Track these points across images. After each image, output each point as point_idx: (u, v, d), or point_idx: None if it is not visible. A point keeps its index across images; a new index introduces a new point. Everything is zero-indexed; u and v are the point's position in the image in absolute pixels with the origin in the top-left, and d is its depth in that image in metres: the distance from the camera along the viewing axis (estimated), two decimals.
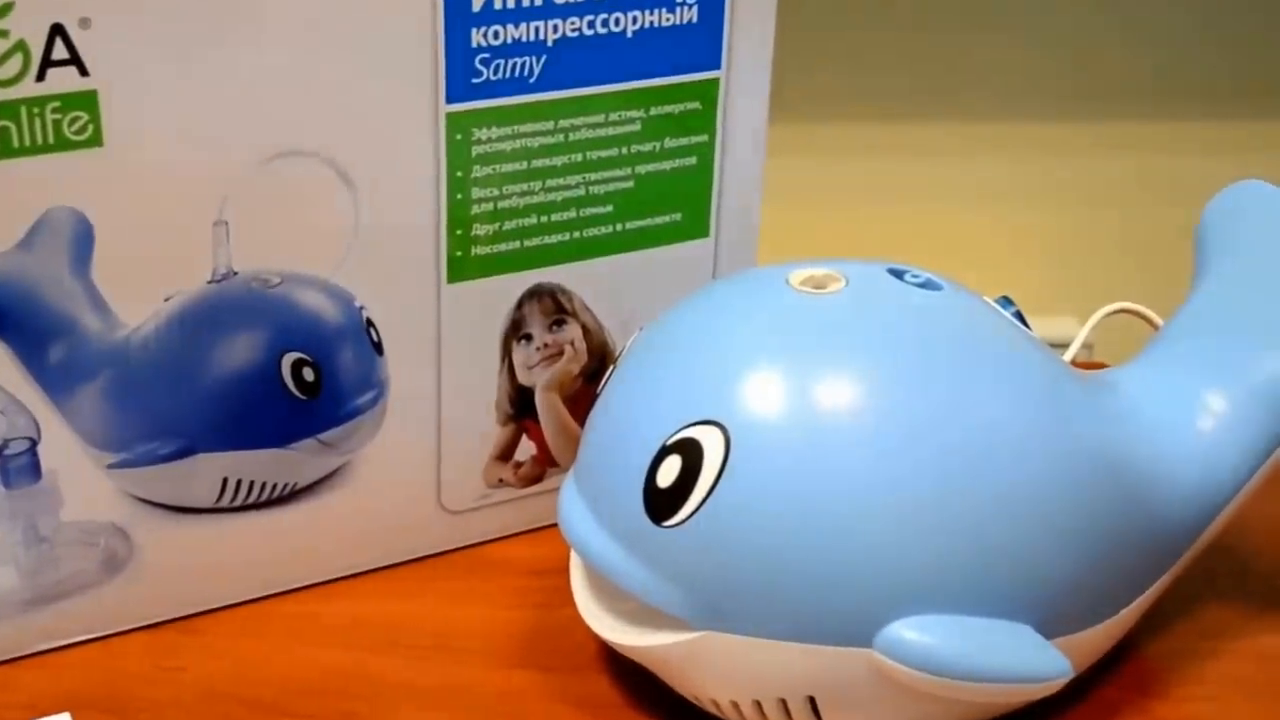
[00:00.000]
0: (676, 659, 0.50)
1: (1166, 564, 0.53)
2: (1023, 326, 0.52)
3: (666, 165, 0.59)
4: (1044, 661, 0.48)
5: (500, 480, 0.61)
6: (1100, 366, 0.65)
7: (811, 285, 0.51)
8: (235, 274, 0.53)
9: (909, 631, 0.47)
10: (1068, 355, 0.65)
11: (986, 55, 1.35)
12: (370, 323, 0.56)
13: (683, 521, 0.48)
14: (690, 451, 0.48)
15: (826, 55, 1.31)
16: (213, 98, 0.51)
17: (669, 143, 0.59)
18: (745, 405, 0.48)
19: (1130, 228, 1.41)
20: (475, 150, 0.55)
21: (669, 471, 0.48)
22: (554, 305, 0.59)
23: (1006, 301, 0.53)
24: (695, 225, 0.61)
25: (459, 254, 0.56)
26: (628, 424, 0.50)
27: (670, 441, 0.48)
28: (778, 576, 0.47)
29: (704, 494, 0.48)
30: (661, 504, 0.48)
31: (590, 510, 0.51)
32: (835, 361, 0.48)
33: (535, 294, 0.59)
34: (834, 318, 0.50)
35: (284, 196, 0.53)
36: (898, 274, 0.52)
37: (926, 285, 0.51)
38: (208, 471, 0.55)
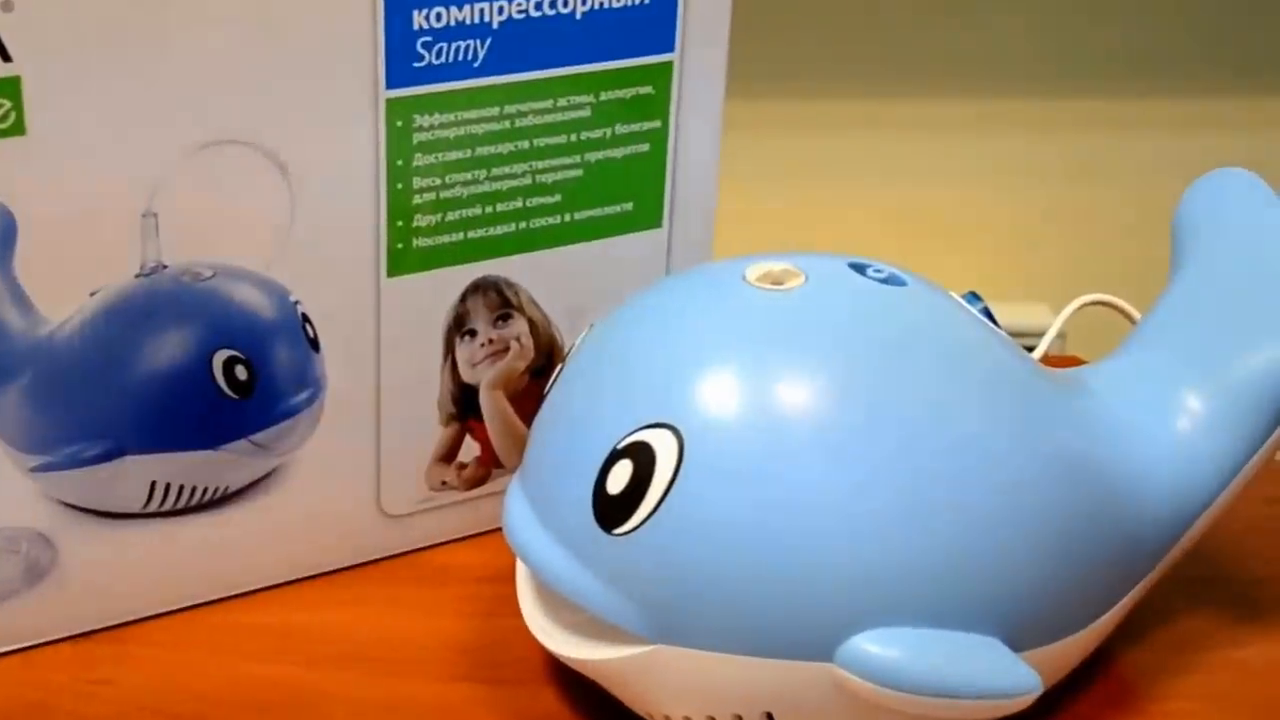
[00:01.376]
0: (628, 673, 0.48)
1: (1142, 573, 0.51)
2: (991, 324, 0.50)
3: (617, 153, 0.57)
4: (1013, 676, 0.46)
5: (443, 483, 0.59)
6: (1074, 360, 0.63)
7: (769, 281, 0.48)
8: (164, 268, 0.50)
9: (871, 645, 0.45)
10: (1039, 350, 0.62)
11: (954, 29, 1.32)
12: (306, 318, 0.53)
13: (634, 529, 0.46)
14: (642, 456, 0.46)
15: (784, 29, 1.28)
16: (141, 84, 0.48)
17: (620, 129, 0.56)
18: (700, 408, 0.46)
19: (1106, 211, 1.38)
20: (417, 138, 0.53)
21: (619, 477, 0.46)
22: (499, 299, 0.56)
23: (974, 297, 0.51)
24: (648, 215, 0.58)
25: (399, 246, 0.54)
26: (576, 426, 0.48)
27: (621, 445, 0.46)
28: (734, 587, 0.45)
29: (656, 501, 0.45)
30: (612, 511, 0.46)
31: (536, 516, 0.49)
32: (794, 362, 0.46)
33: (480, 288, 0.56)
34: (793, 315, 0.47)
35: (216, 187, 0.50)
36: (859, 269, 0.49)
37: (890, 281, 0.49)
38: (136, 475, 0.53)
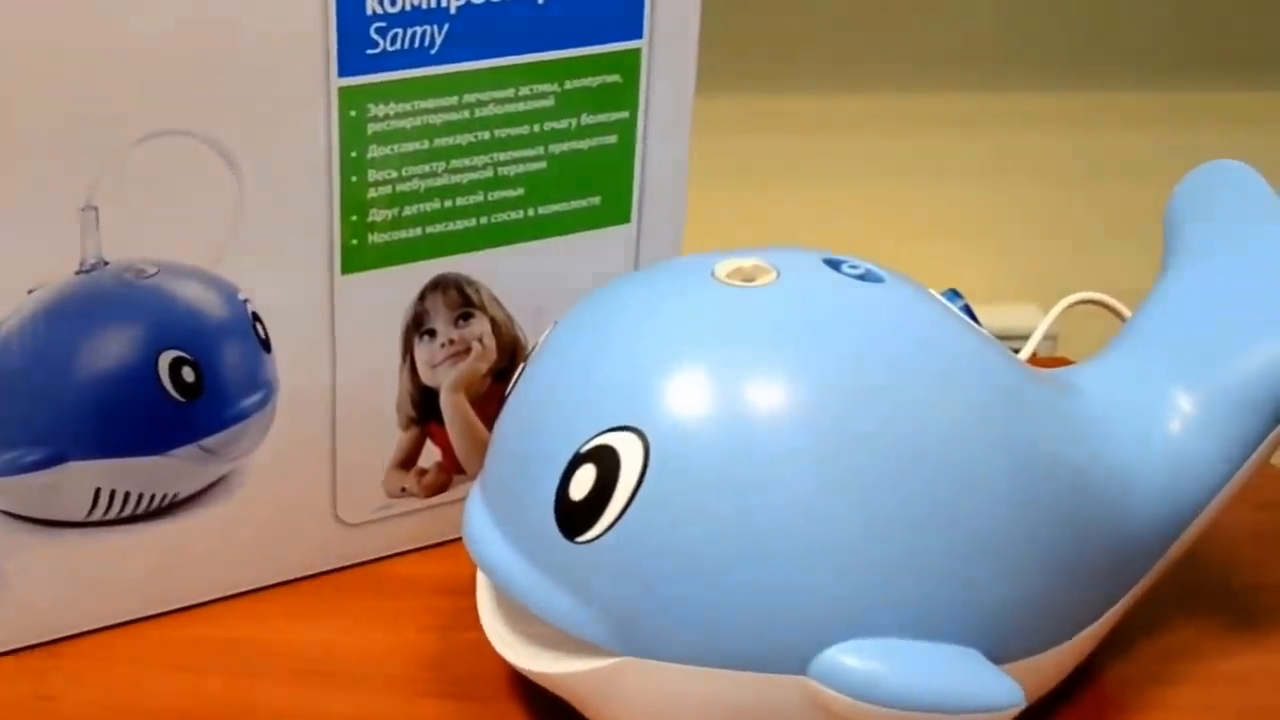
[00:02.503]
0: (593, 687, 0.46)
1: (1130, 582, 0.49)
2: (972, 322, 0.48)
3: (583, 144, 0.54)
4: (994, 689, 0.44)
5: (403, 489, 0.56)
6: (1065, 361, 0.60)
7: (740, 277, 0.46)
8: (106, 264, 0.48)
9: (846, 657, 0.43)
10: (1027, 349, 0.60)
11: (936, 19, 1.30)
12: (256, 317, 0.51)
13: (598, 537, 0.44)
14: (606, 460, 0.44)
15: (758, 22, 1.26)
16: (79, 71, 0.46)
17: (586, 119, 0.54)
18: (666, 409, 0.43)
19: (1096, 208, 1.36)
20: (371, 128, 0.50)
21: (583, 482, 0.44)
22: (460, 298, 0.54)
23: (954, 295, 0.49)
24: (615, 210, 0.56)
25: (354, 242, 0.51)
26: (537, 430, 0.46)
27: (584, 449, 0.44)
28: (702, 597, 0.43)
29: (621, 507, 0.43)
30: (574, 518, 0.44)
31: (497, 524, 0.47)
32: (766, 361, 0.44)
33: (439, 285, 0.54)
34: (764, 313, 0.45)
35: (159, 180, 0.48)
36: (834, 265, 0.47)
37: (866, 277, 0.47)
38: (78, 482, 0.50)
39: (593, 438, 0.44)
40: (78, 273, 0.48)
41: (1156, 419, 0.49)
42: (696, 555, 0.43)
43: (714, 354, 0.44)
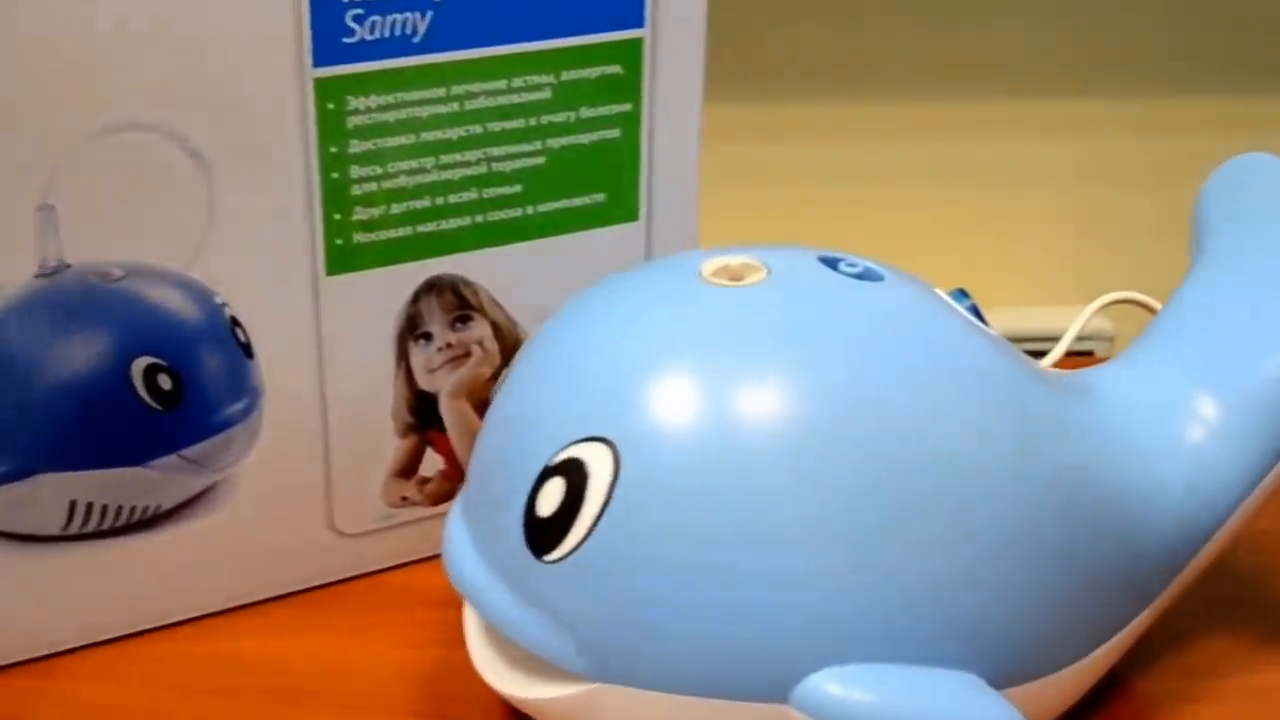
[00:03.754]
0: (568, 714, 0.43)
1: (1147, 598, 0.46)
2: (980, 323, 0.44)
3: (584, 138, 0.52)
4: (993, 717, 0.40)
5: (403, 499, 0.54)
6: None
7: (726, 276, 0.43)
8: (68, 267, 0.46)
9: (832, 685, 0.40)
10: (1058, 351, 0.57)
11: (969, 19, 1.26)
12: (236, 322, 0.49)
13: (566, 555, 0.41)
14: (574, 474, 0.41)
15: (791, 29, 1.23)
16: (27, 59, 0.44)
17: (586, 112, 0.51)
18: (638, 418, 0.41)
19: (1134, 212, 1.33)
20: (352, 121, 0.48)
21: (551, 497, 0.41)
22: (456, 300, 0.52)
23: (961, 295, 0.46)
24: (622, 207, 0.53)
25: (339, 242, 0.49)
26: (509, 442, 0.43)
27: (553, 462, 0.41)
28: (677, 620, 0.40)
29: (589, 524, 0.40)
30: (542, 535, 0.41)
31: (474, 540, 0.44)
32: (748, 367, 0.41)
33: (433, 287, 0.51)
34: (748, 315, 0.42)
35: (121, 178, 0.46)
36: (830, 263, 0.44)
37: (864, 276, 0.44)
38: (51, 494, 0.48)
39: (561, 449, 0.41)
40: (37, 276, 0.46)
41: (1176, 425, 0.46)
42: (669, 576, 0.40)
43: (693, 359, 0.41)
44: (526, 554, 0.42)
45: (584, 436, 0.41)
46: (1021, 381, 0.43)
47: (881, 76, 1.28)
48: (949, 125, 1.30)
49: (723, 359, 0.41)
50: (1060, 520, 0.42)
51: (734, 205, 1.23)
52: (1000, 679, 0.41)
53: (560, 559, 0.41)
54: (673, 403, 0.41)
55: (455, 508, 0.46)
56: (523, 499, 0.42)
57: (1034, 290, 1.31)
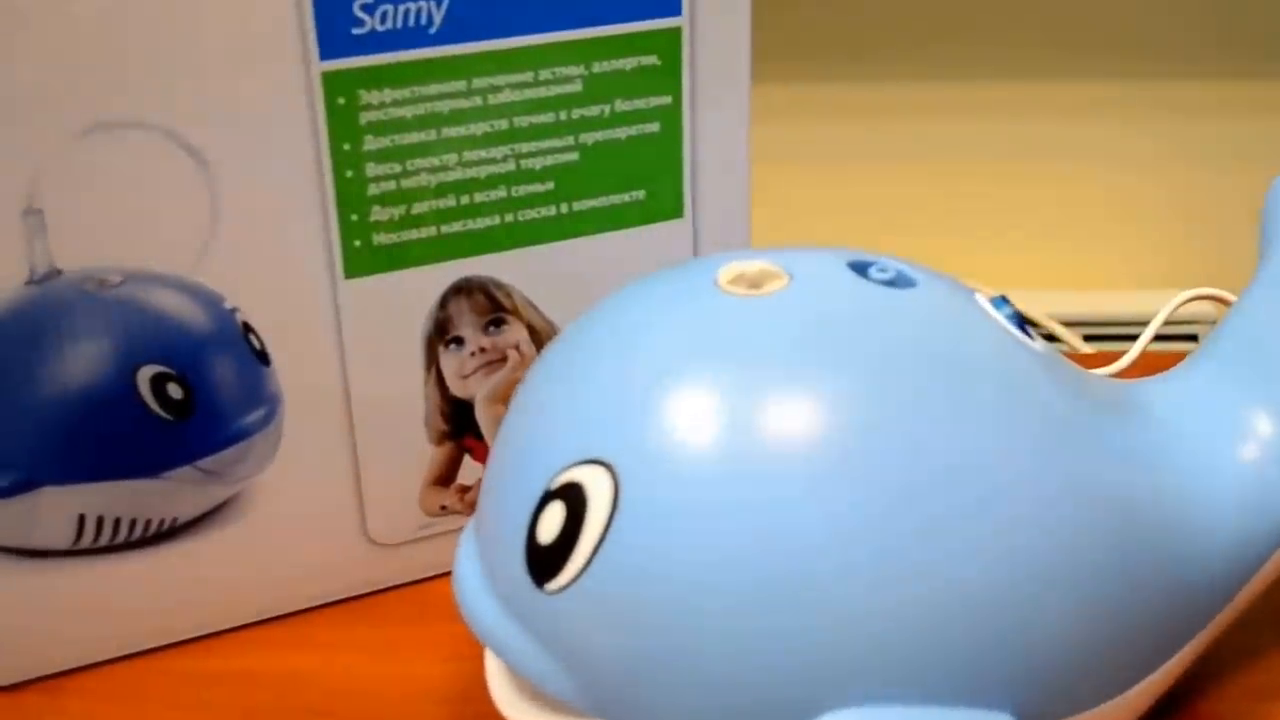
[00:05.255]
0: None
1: (1197, 627, 0.42)
2: (1023, 334, 0.41)
3: (620, 133, 0.49)
4: None
5: (443, 507, 0.51)
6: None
7: (744, 285, 0.40)
8: (59, 273, 0.44)
9: None
10: (1134, 353, 0.53)
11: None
12: (249, 328, 0.46)
13: (566, 585, 0.38)
14: (574, 499, 0.38)
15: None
16: (13, 52, 0.42)
17: (621, 105, 0.48)
18: (639, 440, 0.38)
19: (1221, 198, 1.27)
20: (365, 117, 0.45)
21: (550, 523, 0.38)
22: (488, 302, 0.49)
23: (1003, 301, 0.42)
24: (664, 204, 0.50)
25: (356, 243, 0.46)
26: (509, 464, 0.41)
27: (552, 486, 0.38)
28: (681, 655, 0.37)
29: (588, 552, 0.38)
30: (542, 563, 0.39)
31: (481, 563, 0.42)
32: (760, 382, 0.38)
33: (463, 290, 0.49)
34: (767, 327, 0.39)
35: (114, 180, 0.43)
36: (860, 268, 0.41)
37: (896, 282, 0.40)
38: (58, 507, 0.46)
39: (560, 473, 0.38)
40: (28, 283, 0.44)
41: (1230, 442, 0.42)
42: (673, 607, 0.37)
43: (700, 375, 0.38)
44: (528, 583, 0.39)
45: (582, 459, 0.38)
46: (1065, 398, 0.40)
47: (941, 53, 1.23)
48: (1019, 104, 1.26)
49: (732, 375, 0.38)
50: (1105, 542, 0.38)
51: (778, 188, 1.20)
52: (1033, 716, 0.38)
53: (560, 589, 0.38)
54: (676, 422, 0.38)
55: (468, 527, 0.44)
56: (524, 525, 0.39)
57: (1119, 275, 1.26)
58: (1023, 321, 0.42)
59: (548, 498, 0.39)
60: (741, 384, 0.38)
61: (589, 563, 0.38)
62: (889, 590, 0.36)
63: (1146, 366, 0.58)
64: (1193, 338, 1.09)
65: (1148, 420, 0.42)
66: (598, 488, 0.38)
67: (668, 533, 0.37)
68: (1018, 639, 0.37)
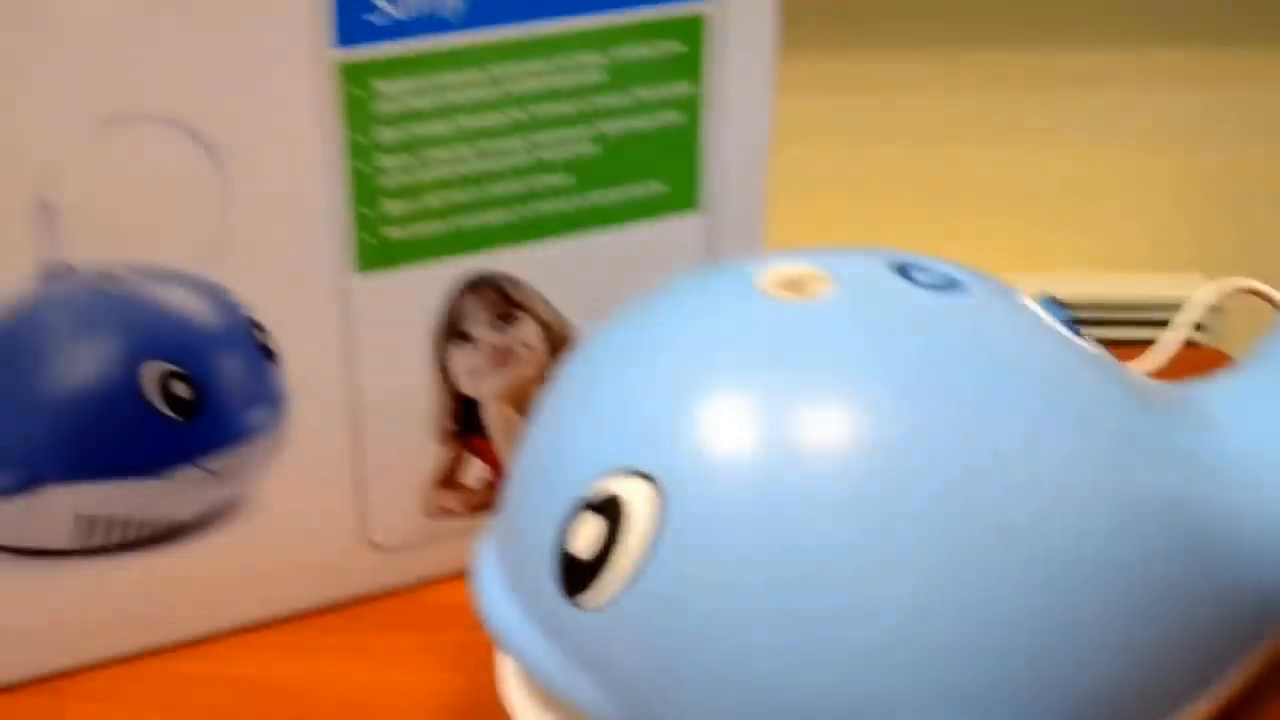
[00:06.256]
0: None
1: (1258, 643, 0.41)
2: (1075, 337, 0.40)
3: (641, 123, 0.47)
4: None
5: (445, 509, 0.50)
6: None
7: (788, 289, 0.39)
8: (70, 268, 0.42)
9: None
10: (1167, 346, 0.52)
11: None
12: (256, 325, 0.45)
13: (604, 602, 0.37)
14: (612, 512, 0.36)
15: None
16: (26, 44, 0.40)
17: (643, 94, 0.47)
18: (685, 452, 0.36)
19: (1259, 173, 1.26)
20: (381, 109, 0.44)
21: (586, 536, 0.37)
22: (500, 298, 0.47)
23: (1053, 304, 0.41)
24: (681, 196, 0.49)
25: (369, 238, 0.45)
26: (542, 469, 0.39)
27: (589, 497, 0.37)
28: (725, 676, 0.36)
29: (629, 568, 0.36)
30: (577, 578, 0.37)
31: (504, 573, 0.40)
32: (813, 393, 0.36)
33: (475, 285, 0.47)
34: (814, 333, 0.38)
35: (127, 173, 0.42)
36: (904, 271, 0.39)
37: (943, 286, 0.39)
38: (60, 507, 0.45)
39: (597, 482, 0.37)
40: (37, 278, 0.42)
41: None
42: (718, 627, 0.36)
43: (747, 384, 0.37)
44: (560, 597, 0.38)
45: (623, 470, 0.37)
46: (1121, 405, 0.39)
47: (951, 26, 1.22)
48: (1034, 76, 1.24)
49: (782, 385, 0.37)
50: (1163, 557, 0.37)
51: (793, 165, 1.18)
52: None
53: (598, 605, 0.37)
54: (724, 434, 0.36)
55: (487, 536, 0.42)
56: (554, 535, 0.38)
57: (1132, 258, 1.25)
58: (1075, 326, 0.40)
59: (582, 509, 0.37)
60: (792, 397, 0.36)
61: (629, 579, 0.36)
62: (943, 611, 0.35)
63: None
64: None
65: (1206, 426, 0.41)
66: (640, 501, 0.36)
67: (716, 551, 0.36)
68: (1069, 656, 0.36)
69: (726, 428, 0.36)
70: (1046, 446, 0.37)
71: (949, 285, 0.39)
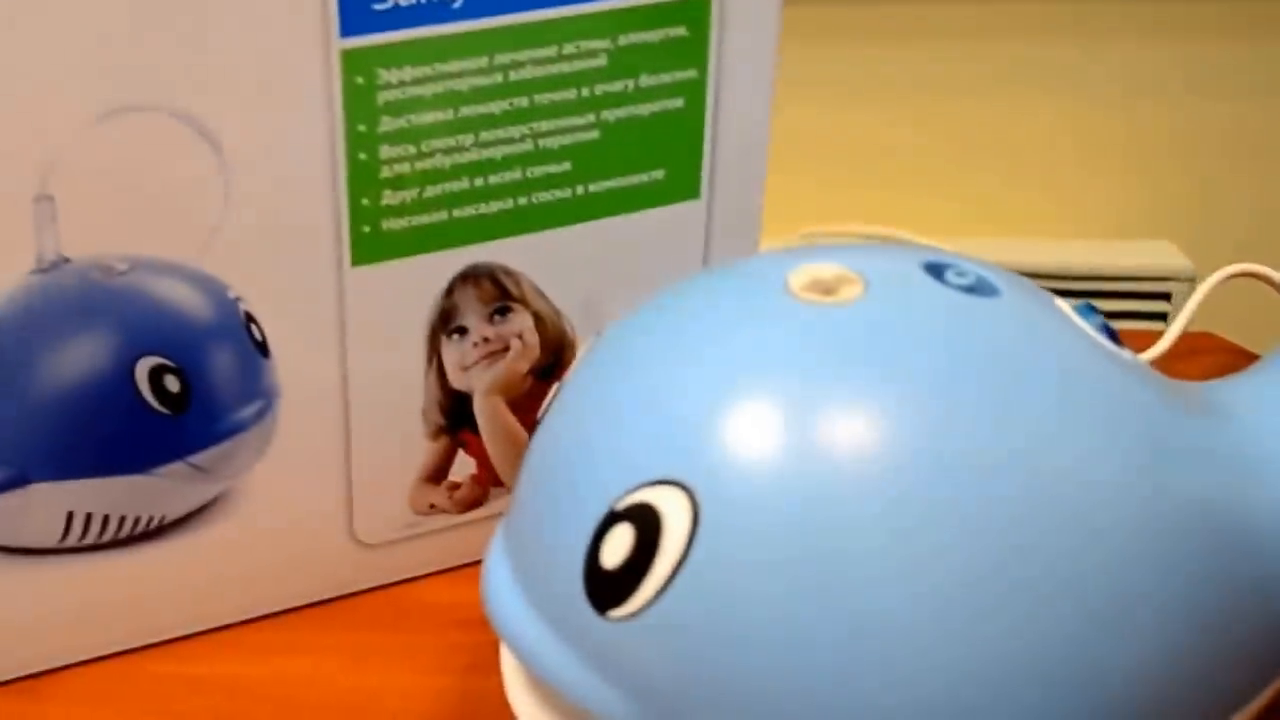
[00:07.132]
0: None
1: None
2: (1110, 343, 0.39)
3: (643, 109, 0.46)
4: None
5: (431, 506, 0.49)
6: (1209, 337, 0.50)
7: (818, 291, 0.38)
8: (67, 261, 0.40)
9: None
10: (1171, 334, 0.51)
11: None
12: (251, 318, 0.43)
13: (634, 614, 0.36)
14: (645, 521, 0.35)
15: None
16: (24, 37, 0.38)
17: (646, 80, 0.46)
18: (721, 461, 0.35)
19: (1244, 127, 1.24)
20: (383, 97, 0.42)
21: (617, 547, 0.36)
22: (495, 290, 0.46)
23: (1089, 309, 0.40)
24: (682, 184, 0.48)
25: (366, 229, 0.43)
26: (566, 475, 0.38)
27: (619, 506, 0.36)
28: (762, 691, 0.35)
29: (663, 580, 0.35)
30: (606, 589, 0.36)
31: (519, 580, 0.39)
32: (849, 401, 0.35)
33: (470, 277, 0.46)
34: (847, 339, 0.37)
35: (126, 164, 0.40)
36: (937, 272, 0.38)
37: (976, 289, 0.38)
38: (47, 504, 0.43)
39: (629, 492, 0.36)
40: (34, 272, 0.40)
41: None
42: (754, 641, 0.35)
43: (784, 391, 0.36)
44: (587, 608, 0.36)
45: (656, 479, 0.36)
46: (1156, 410, 0.38)
47: None
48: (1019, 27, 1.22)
49: (815, 392, 0.36)
50: (1195, 580, 0.37)
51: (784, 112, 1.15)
52: None
53: (629, 617, 0.36)
54: (761, 444, 0.35)
55: (497, 536, 0.41)
56: (581, 545, 0.37)
57: (1106, 224, 1.23)
58: (1111, 332, 0.40)
59: (613, 519, 0.36)
60: (825, 404, 0.35)
61: (663, 591, 0.35)
62: (982, 621, 0.34)
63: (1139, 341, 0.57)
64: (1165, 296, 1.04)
65: (1240, 428, 0.40)
66: (674, 512, 0.35)
67: (751, 562, 0.35)
68: (1107, 680, 0.35)
69: (760, 436, 0.35)
70: (1081, 451, 0.36)
71: (985, 289, 0.38)
